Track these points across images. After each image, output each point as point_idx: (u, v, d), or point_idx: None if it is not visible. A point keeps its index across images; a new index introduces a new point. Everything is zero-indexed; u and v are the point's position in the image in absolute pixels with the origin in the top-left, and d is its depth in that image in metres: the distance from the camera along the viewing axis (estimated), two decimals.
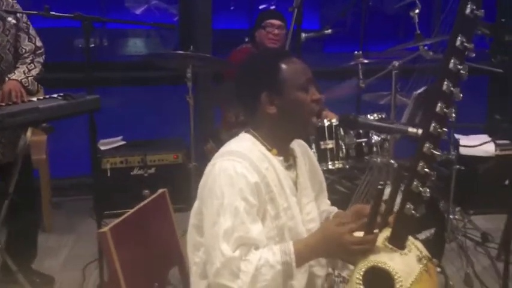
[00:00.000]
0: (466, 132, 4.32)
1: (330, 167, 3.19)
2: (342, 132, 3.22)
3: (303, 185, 1.86)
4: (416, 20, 3.29)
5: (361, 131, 3.21)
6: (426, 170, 1.56)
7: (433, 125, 1.54)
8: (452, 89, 1.51)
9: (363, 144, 3.20)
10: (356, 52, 3.60)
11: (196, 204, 1.81)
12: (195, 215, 1.81)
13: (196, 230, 1.80)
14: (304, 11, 3.18)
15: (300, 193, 1.84)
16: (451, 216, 3.62)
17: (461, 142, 4.07)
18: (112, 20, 4.05)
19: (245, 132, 1.83)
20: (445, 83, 1.51)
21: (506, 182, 3.35)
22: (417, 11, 3.28)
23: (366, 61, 3.57)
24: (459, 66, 1.50)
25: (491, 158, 4.21)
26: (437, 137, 1.55)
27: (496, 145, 4.21)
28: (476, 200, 4.19)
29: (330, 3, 9.52)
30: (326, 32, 3.70)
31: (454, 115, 1.54)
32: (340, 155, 3.21)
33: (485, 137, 4.27)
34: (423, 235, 2.79)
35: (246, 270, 1.60)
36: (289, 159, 1.85)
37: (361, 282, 1.55)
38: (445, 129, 1.54)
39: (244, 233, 1.62)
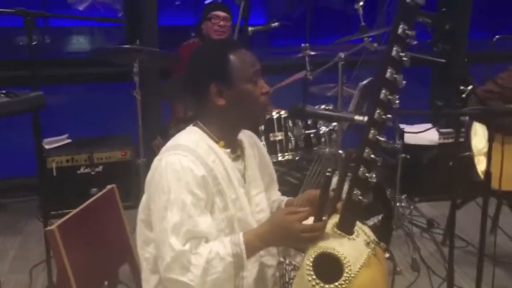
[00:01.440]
0: (411, 122, 4.43)
1: (280, 158, 3.22)
2: (291, 124, 3.25)
3: (252, 176, 1.86)
4: (361, 12, 3.36)
5: (309, 123, 3.25)
6: (372, 156, 1.59)
7: (378, 111, 1.57)
8: (395, 76, 1.55)
9: (312, 135, 3.25)
10: (303, 45, 3.64)
11: (144, 199, 1.79)
12: (143, 210, 1.79)
13: (145, 225, 1.78)
14: (250, 6, 3.18)
15: (249, 184, 1.84)
16: (397, 204, 3.71)
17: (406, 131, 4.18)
18: (56, 15, 3.93)
19: (193, 125, 1.82)
20: (389, 70, 1.55)
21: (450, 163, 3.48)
22: (361, 3, 3.35)
23: (312, 53, 3.61)
24: (401, 54, 1.53)
25: (435, 146, 4.34)
26: (382, 123, 1.58)
27: (440, 133, 4.33)
28: (422, 187, 4.31)
29: None
30: (273, 25, 3.72)
31: (397, 102, 1.58)
32: (289, 146, 3.25)
33: (429, 126, 4.39)
34: (371, 221, 2.86)
35: (197, 263, 1.59)
36: (236, 151, 1.85)
37: (311, 268, 1.56)
38: (390, 116, 1.58)
39: (192, 227, 1.62)
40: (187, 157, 1.67)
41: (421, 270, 3.34)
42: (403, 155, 3.73)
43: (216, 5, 3.82)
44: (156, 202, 1.67)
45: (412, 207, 4.04)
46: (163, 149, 1.76)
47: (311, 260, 1.58)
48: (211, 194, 1.69)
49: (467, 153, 3.22)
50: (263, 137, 3.20)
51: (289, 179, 3.21)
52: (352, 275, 1.56)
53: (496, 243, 3.59)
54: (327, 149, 3.05)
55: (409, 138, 4.23)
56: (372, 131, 1.58)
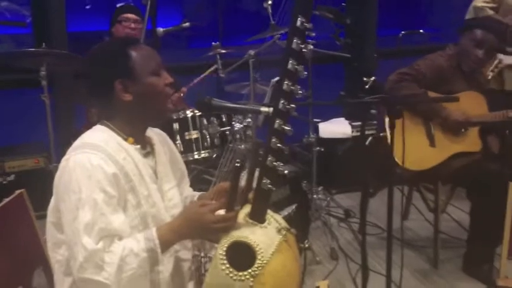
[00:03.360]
0: (326, 117, 4.56)
1: (196, 156, 3.24)
2: (206, 122, 3.28)
3: (163, 172, 1.87)
4: (270, 11, 3.44)
5: (224, 120, 3.29)
6: (278, 145, 1.64)
7: (282, 102, 1.62)
8: (296, 67, 1.61)
9: (227, 132, 3.28)
10: (214, 43, 3.68)
11: (52, 201, 1.75)
12: (52, 213, 1.75)
13: (55, 227, 1.74)
14: (167, 9, 3.19)
15: (161, 180, 1.85)
16: (314, 196, 3.80)
17: (320, 126, 4.30)
18: None
19: (100, 124, 1.80)
20: (290, 61, 1.60)
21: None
22: (270, 2, 3.44)
23: (223, 51, 3.65)
24: (301, 46, 1.59)
25: (348, 139, 4.48)
26: (286, 113, 1.63)
27: (352, 127, 4.47)
28: (338, 179, 4.43)
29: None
30: (184, 25, 3.73)
31: (300, 92, 1.64)
32: (205, 144, 3.27)
33: (343, 120, 4.53)
34: (285, 211, 2.91)
35: (111, 261, 1.58)
36: (146, 147, 1.85)
37: (224, 257, 1.59)
38: (293, 106, 1.63)
39: (105, 225, 1.60)
40: (97, 155, 1.66)
41: (339, 259, 3.44)
42: (318, 148, 3.83)
43: (126, 8, 3.78)
44: (66, 202, 1.64)
45: (328, 198, 4.15)
46: (70, 149, 1.73)
47: (224, 249, 1.61)
48: (124, 191, 1.69)
49: (383, 134, 3.31)
50: (178, 136, 3.20)
51: (207, 177, 3.24)
52: (264, 261, 1.61)
53: (410, 228, 3.80)
54: (242, 145, 3.09)
55: (323, 133, 4.36)
56: (277, 121, 1.63)
